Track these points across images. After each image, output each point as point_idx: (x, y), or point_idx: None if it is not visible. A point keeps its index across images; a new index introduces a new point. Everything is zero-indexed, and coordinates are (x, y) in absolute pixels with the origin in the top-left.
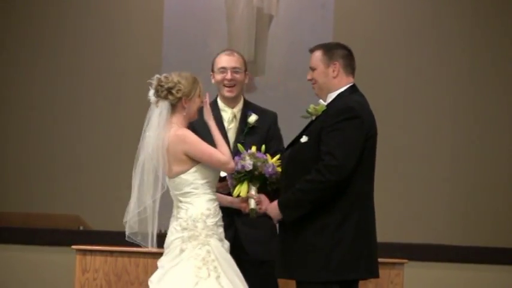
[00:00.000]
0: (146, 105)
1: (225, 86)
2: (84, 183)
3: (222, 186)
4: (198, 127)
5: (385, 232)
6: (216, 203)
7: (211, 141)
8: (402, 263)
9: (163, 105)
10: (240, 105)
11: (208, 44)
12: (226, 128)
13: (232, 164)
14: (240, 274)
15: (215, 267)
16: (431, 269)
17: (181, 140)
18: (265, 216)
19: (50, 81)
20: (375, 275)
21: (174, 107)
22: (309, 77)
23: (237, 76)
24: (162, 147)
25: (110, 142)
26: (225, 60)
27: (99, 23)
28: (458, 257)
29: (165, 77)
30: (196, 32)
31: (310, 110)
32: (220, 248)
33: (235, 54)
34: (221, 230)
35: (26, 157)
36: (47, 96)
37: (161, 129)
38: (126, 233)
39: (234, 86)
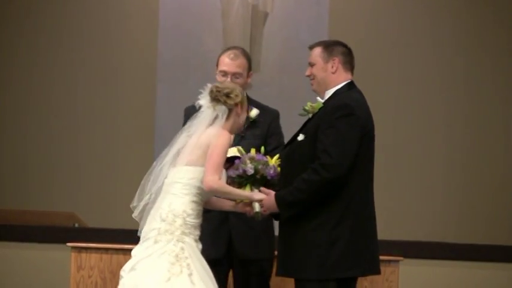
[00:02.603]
0: (142, 102)
1: None
2: (79, 181)
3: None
4: None
5: (380, 229)
6: (201, 208)
7: None
8: (397, 261)
9: (221, 109)
10: None
11: (203, 41)
12: None
13: (207, 187)
14: (212, 276)
15: (188, 265)
16: (427, 266)
17: (215, 135)
18: (269, 217)
19: (45, 78)
20: (375, 271)
21: (228, 113)
22: (307, 73)
23: (238, 80)
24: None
25: (105, 139)
26: (227, 63)
27: (94, 20)
28: (454, 254)
29: (221, 83)
30: (191, 29)
31: (307, 107)
32: (194, 247)
33: (240, 57)
34: (198, 232)
35: (22, 154)
36: (42, 93)
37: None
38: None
39: None
